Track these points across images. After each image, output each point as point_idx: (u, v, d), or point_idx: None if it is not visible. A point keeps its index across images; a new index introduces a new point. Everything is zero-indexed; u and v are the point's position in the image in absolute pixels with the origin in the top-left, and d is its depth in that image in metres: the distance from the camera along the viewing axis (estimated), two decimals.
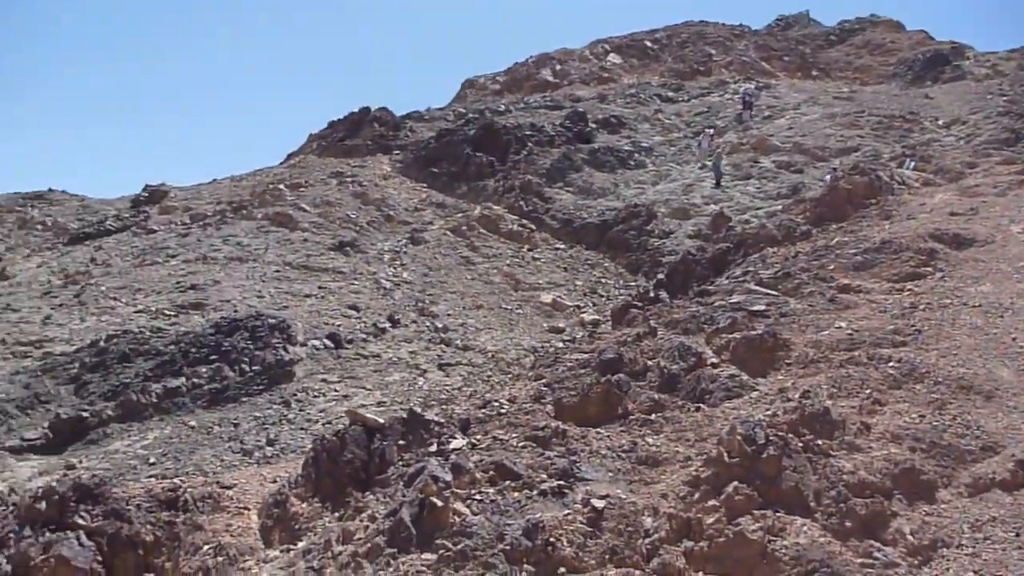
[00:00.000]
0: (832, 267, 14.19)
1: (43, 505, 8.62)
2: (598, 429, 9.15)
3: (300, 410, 20.18)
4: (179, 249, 31.60)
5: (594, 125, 40.15)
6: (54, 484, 9.04)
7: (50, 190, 51.08)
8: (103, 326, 25.51)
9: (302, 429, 19.24)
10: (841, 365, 10.22)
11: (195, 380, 21.51)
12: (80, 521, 8.38)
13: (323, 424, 19.20)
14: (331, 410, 20.03)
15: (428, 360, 22.94)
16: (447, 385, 21.34)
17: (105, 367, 22.61)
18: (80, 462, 19.09)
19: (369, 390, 21.00)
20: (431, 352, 23.49)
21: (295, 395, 20.88)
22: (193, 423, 20.04)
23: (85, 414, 20.79)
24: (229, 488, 9.22)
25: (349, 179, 36.63)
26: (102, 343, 23.68)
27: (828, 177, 26.04)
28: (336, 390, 21.08)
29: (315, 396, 20.83)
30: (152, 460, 18.40)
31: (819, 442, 8.25)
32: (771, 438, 8.01)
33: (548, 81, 50.91)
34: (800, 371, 10.36)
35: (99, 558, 8.13)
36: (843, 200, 18.87)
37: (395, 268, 29.38)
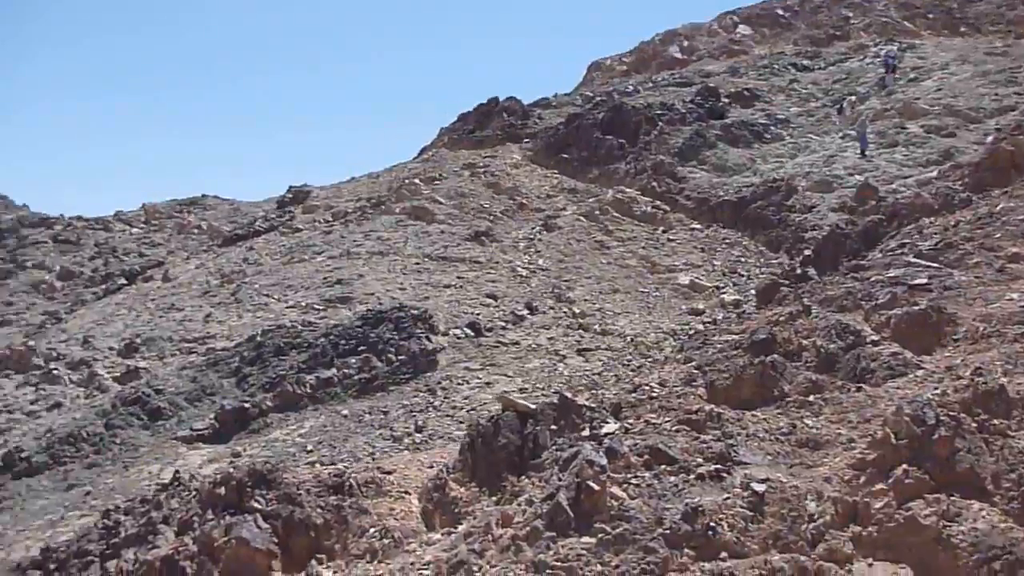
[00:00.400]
0: (999, 235, 13.25)
1: (222, 490, 9.22)
2: (754, 412, 8.91)
3: (445, 397, 20.69)
4: (324, 246, 32.96)
5: (726, 100, 39.14)
6: (231, 471, 9.64)
7: (203, 196, 54.49)
8: (259, 322, 26.97)
9: (448, 416, 19.74)
10: (1016, 339, 9.55)
11: (345, 371, 22.43)
12: (256, 505, 8.90)
13: (468, 411, 19.64)
14: (474, 397, 20.45)
15: (567, 346, 23.04)
16: (587, 370, 21.37)
17: (263, 360, 23.90)
18: (244, 450, 20.26)
19: (510, 377, 21.30)
20: (569, 338, 23.57)
21: (440, 383, 21.43)
22: (345, 412, 20.90)
23: (247, 405, 22.05)
24: (390, 473, 9.56)
25: (481, 170, 37.17)
26: (259, 338, 25.03)
27: (989, 139, 24.37)
28: (479, 377, 21.50)
29: (459, 384, 21.31)
30: (309, 448, 19.31)
31: (995, 422, 7.74)
32: (942, 418, 7.58)
33: (676, 58, 49.97)
34: (969, 347, 9.76)
35: (275, 540, 8.61)
36: (1006, 163, 17.54)
37: (530, 255, 29.63)
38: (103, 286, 40.90)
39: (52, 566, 11.82)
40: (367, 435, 19.37)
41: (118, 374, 27.06)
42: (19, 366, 29.37)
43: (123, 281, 39.90)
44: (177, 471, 13.37)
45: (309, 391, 22.06)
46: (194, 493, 10.14)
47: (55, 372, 28.00)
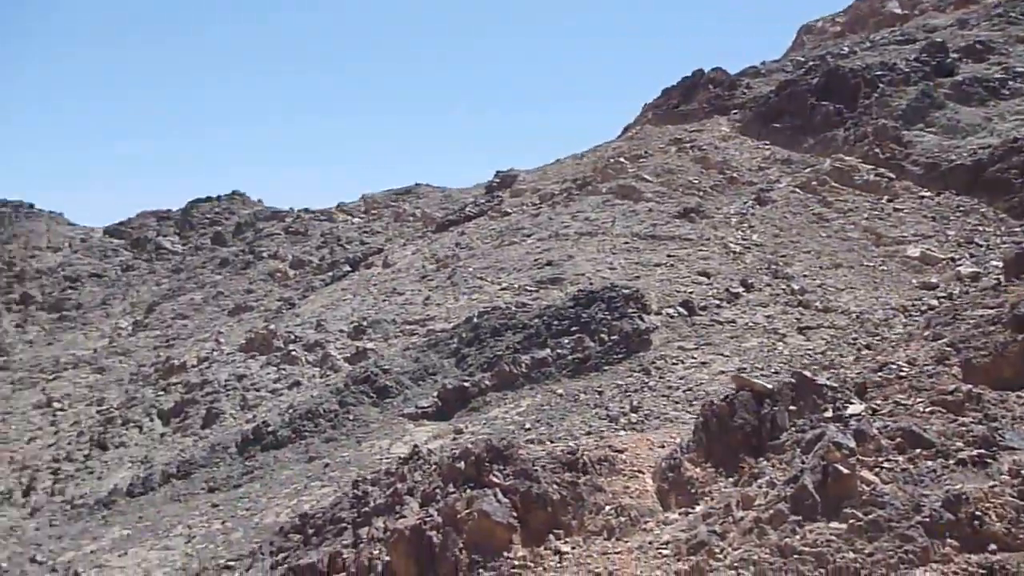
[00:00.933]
0: None
1: (462, 464, 9.65)
2: (1018, 393, 8.17)
3: (660, 377, 20.49)
4: (533, 228, 33.55)
5: (956, 55, 35.87)
6: (470, 446, 10.05)
7: (416, 185, 57.06)
8: (474, 304, 27.94)
9: (663, 396, 19.54)
10: None
11: (559, 351, 22.77)
12: (495, 479, 9.25)
13: (683, 391, 19.38)
14: (690, 377, 20.12)
15: (786, 324, 22.13)
16: (809, 349, 20.43)
17: (480, 341, 24.75)
18: (466, 427, 21.10)
19: (727, 356, 20.76)
20: (788, 316, 22.62)
21: (654, 363, 21.25)
22: (560, 391, 21.21)
23: (466, 384, 22.95)
24: (621, 452, 9.60)
25: (688, 144, 36.36)
26: (475, 319, 25.93)
27: None
28: (694, 357, 21.11)
29: (673, 363, 21.03)
30: (527, 426, 19.78)
31: None
32: None
33: (896, 14, 46.50)
34: None
35: (514, 514, 8.91)
36: None
37: (743, 231, 28.67)
38: (330, 273, 43.94)
39: (310, 531, 12.93)
40: (582, 414, 19.58)
41: (348, 355, 29.02)
42: (263, 348, 32.23)
43: (347, 268, 42.65)
44: (416, 446, 14.15)
45: (524, 371, 22.60)
46: (434, 467, 10.66)
47: (293, 353, 30.45)
